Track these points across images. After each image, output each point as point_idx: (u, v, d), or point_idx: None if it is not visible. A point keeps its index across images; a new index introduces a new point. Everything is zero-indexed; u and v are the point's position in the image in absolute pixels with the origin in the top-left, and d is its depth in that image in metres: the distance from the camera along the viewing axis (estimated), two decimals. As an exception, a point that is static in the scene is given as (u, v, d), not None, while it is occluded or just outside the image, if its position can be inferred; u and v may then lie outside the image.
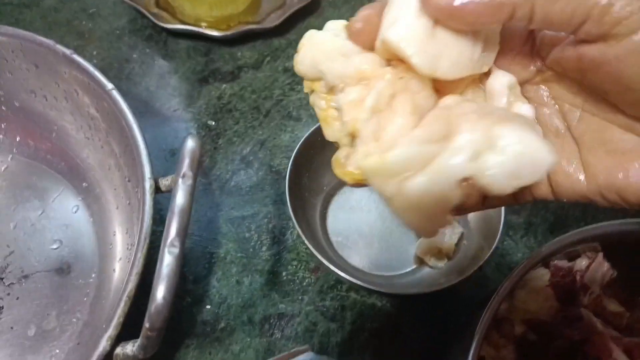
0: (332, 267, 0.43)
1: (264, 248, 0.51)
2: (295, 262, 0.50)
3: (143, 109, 0.59)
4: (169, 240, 0.29)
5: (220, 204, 0.53)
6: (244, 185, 0.54)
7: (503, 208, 0.46)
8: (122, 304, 0.35)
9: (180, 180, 0.31)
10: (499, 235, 0.46)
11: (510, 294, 0.47)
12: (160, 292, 0.28)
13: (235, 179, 0.55)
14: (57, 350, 0.45)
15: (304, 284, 0.49)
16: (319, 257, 0.43)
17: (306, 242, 0.44)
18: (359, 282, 0.43)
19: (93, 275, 0.48)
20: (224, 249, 0.51)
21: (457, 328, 0.44)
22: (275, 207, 0.53)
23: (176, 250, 0.29)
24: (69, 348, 0.45)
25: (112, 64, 0.62)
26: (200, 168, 0.33)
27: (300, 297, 0.48)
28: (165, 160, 0.55)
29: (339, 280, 0.49)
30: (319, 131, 0.50)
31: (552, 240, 0.38)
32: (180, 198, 0.30)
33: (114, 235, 0.49)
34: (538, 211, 0.55)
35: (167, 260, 0.28)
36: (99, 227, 0.50)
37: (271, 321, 0.47)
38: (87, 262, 0.49)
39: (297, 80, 0.62)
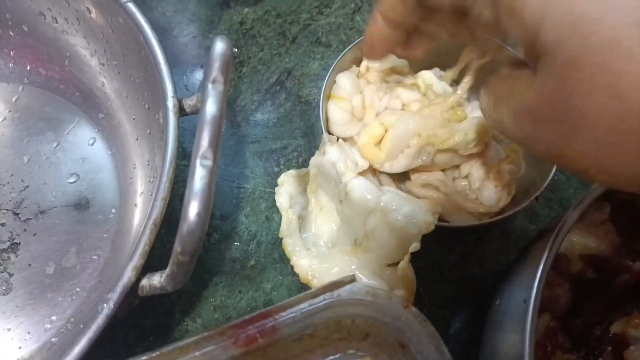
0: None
1: (295, 183, 0.47)
2: (328, 198, 0.46)
3: (160, 36, 0.54)
4: (200, 152, 0.25)
5: (246, 136, 0.49)
6: (271, 116, 0.50)
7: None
8: (147, 231, 0.32)
9: (210, 85, 0.27)
10: (554, 167, 0.42)
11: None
12: (193, 208, 0.24)
13: (261, 110, 0.51)
14: (78, 289, 0.42)
15: (339, 220, 0.46)
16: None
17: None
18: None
19: (113, 211, 0.45)
20: (251, 183, 0.47)
21: (507, 266, 0.40)
22: (306, 140, 0.49)
23: (209, 163, 0.25)
24: (90, 286, 0.42)
25: (125, -11, 0.57)
26: (231, 66, 0.29)
27: (334, 234, 0.45)
28: (185, 88, 0.51)
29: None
30: (350, 56, 0.45)
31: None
32: (211, 105, 0.26)
33: (134, 168, 0.46)
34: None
35: (200, 173, 0.24)
36: (118, 160, 0.47)
37: (305, 259, 0.44)
38: (107, 197, 0.46)
39: (325, 2, 0.56)
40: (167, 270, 0.29)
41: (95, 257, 0.43)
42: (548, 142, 0.22)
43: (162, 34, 0.54)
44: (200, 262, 0.44)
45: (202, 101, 0.27)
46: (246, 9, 0.56)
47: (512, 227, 0.46)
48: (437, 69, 0.45)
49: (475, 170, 0.42)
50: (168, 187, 0.33)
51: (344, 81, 0.44)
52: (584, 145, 0.21)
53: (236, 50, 0.54)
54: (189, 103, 0.37)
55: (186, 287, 0.42)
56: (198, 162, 0.25)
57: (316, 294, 0.28)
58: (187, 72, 0.53)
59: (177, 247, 0.26)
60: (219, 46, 0.28)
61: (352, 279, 0.29)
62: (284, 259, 0.44)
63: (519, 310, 0.31)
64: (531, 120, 0.23)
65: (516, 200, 0.42)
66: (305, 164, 0.48)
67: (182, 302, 0.42)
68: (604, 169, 0.21)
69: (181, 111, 0.37)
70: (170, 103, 0.35)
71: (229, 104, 0.51)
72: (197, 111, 0.34)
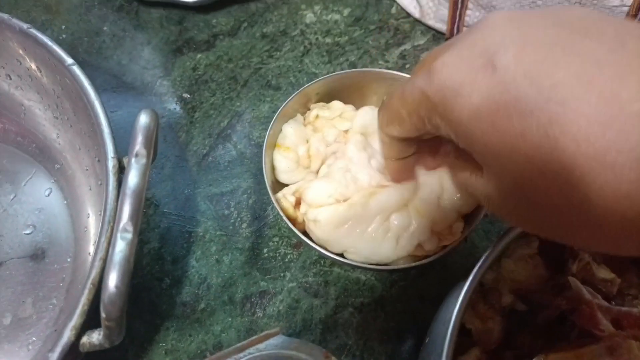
0: (311, 244, 0.41)
1: (244, 225, 0.49)
2: (276, 239, 0.49)
3: (115, 84, 0.56)
4: (121, 225, 0.27)
5: (197, 181, 0.51)
6: (222, 160, 0.52)
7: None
8: (85, 291, 0.33)
9: (133, 159, 0.29)
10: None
11: (497, 263, 0.45)
12: (112, 280, 0.26)
13: (212, 154, 0.53)
14: (34, 338, 0.44)
15: (286, 260, 0.48)
16: (298, 233, 0.41)
17: (284, 218, 0.42)
18: (340, 259, 0.41)
19: (68, 260, 0.47)
20: (202, 227, 0.49)
21: (443, 301, 0.42)
22: (256, 182, 0.51)
23: (129, 236, 0.27)
24: (45, 335, 0.44)
25: (82, 38, 0.60)
26: (155, 139, 0.31)
27: (282, 274, 0.47)
28: (139, 137, 0.53)
29: (322, 255, 0.48)
30: (297, 99, 0.47)
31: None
32: (133, 178, 0.28)
33: (88, 217, 0.48)
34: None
35: (119, 246, 0.26)
36: (72, 210, 0.49)
37: (253, 300, 0.46)
38: (62, 247, 0.47)
39: (275, 46, 0.59)
40: (102, 330, 0.31)
41: (51, 306, 0.45)
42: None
43: (118, 82, 0.57)
44: (153, 306, 0.45)
45: (125, 174, 0.29)
46: (199, 55, 0.58)
47: (452, 259, 0.48)
48: None
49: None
50: (106, 247, 0.35)
51: (290, 131, 0.46)
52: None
53: (189, 95, 0.56)
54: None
55: (138, 332, 0.44)
56: (119, 235, 0.27)
57: (243, 348, 0.30)
58: (141, 119, 0.55)
59: (102, 313, 0.28)
60: (143, 119, 0.30)
61: (276, 332, 0.31)
62: (233, 301, 0.46)
63: (442, 344, 0.33)
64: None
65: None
66: (255, 205, 0.50)
67: (134, 347, 0.44)
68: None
69: (122, 169, 0.39)
70: (110, 164, 0.37)
71: (182, 149, 0.53)
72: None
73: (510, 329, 0.42)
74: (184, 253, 0.48)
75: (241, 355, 0.30)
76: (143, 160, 0.29)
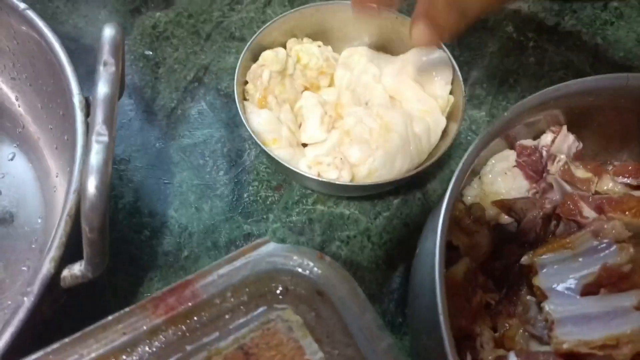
0: (300, 172, 0.41)
1: (221, 172, 0.48)
2: (255, 183, 0.48)
3: (73, 47, 0.54)
4: (95, 129, 0.26)
5: (168, 133, 0.50)
6: (191, 112, 0.51)
7: (463, 101, 0.44)
8: (62, 223, 0.32)
9: (101, 68, 0.28)
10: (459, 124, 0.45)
11: (478, 180, 0.46)
12: (92, 183, 0.25)
13: (181, 107, 0.51)
14: (9, 302, 0.41)
15: (267, 202, 0.47)
16: (285, 164, 0.41)
17: (270, 153, 0.41)
18: (319, 179, 0.41)
19: (39, 221, 0.45)
20: (178, 178, 0.48)
21: (428, 218, 0.42)
22: (229, 131, 0.50)
23: (105, 139, 0.26)
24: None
25: (34, 5, 0.57)
26: (122, 50, 0.29)
27: (265, 216, 0.46)
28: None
29: (304, 194, 0.47)
30: (264, 36, 0.47)
31: (512, 106, 0.36)
32: (102, 87, 0.27)
33: (57, 176, 0.46)
34: (499, 103, 0.53)
35: (96, 148, 0.25)
36: (39, 172, 0.47)
37: (237, 243, 0.45)
38: (31, 209, 0.45)
39: None
40: (84, 255, 0.30)
41: (24, 268, 0.43)
42: None
43: (76, 45, 0.55)
44: (133, 259, 0.44)
45: (95, 83, 0.27)
46: (158, 13, 0.57)
47: (432, 187, 0.48)
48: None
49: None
50: (79, 180, 0.33)
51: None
52: None
53: (151, 52, 0.54)
54: (96, 99, 0.37)
55: (121, 285, 0.43)
56: (94, 138, 0.26)
57: (233, 258, 0.29)
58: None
59: (84, 226, 0.26)
60: (108, 31, 0.29)
61: (266, 241, 0.30)
62: (217, 246, 0.45)
63: (432, 250, 0.33)
64: None
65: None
66: (230, 153, 0.49)
67: (118, 300, 0.42)
68: None
69: (88, 107, 0.37)
70: (76, 99, 0.36)
71: (149, 105, 0.51)
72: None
73: (497, 241, 0.42)
74: (161, 205, 0.46)
75: (235, 263, 0.29)
76: (112, 69, 0.28)
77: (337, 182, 0.41)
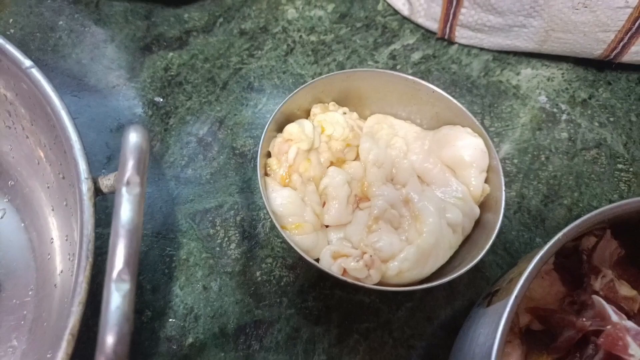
0: (313, 262, 0.37)
1: (233, 245, 0.44)
2: (269, 260, 0.44)
3: (75, 87, 0.50)
4: (114, 273, 0.22)
5: (177, 196, 0.46)
6: (203, 172, 0.47)
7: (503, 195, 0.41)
8: (63, 344, 0.28)
9: (124, 189, 0.24)
10: (499, 221, 0.41)
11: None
12: (109, 342, 0.21)
13: (192, 165, 0.47)
14: (-9, 389, 0.37)
15: (282, 283, 0.43)
16: (297, 249, 0.37)
17: (282, 232, 0.38)
18: (344, 278, 0.37)
19: (30, 293, 0.40)
20: (185, 249, 0.44)
21: (454, 318, 0.39)
22: (243, 197, 0.46)
23: (126, 286, 0.22)
24: (6, 385, 0.37)
25: (34, 34, 0.52)
26: (147, 162, 0.25)
27: (278, 300, 0.42)
28: (107, 147, 0.47)
29: (321, 277, 0.44)
30: (290, 103, 0.43)
31: (566, 229, 0.33)
32: (126, 212, 0.23)
33: (52, 242, 0.41)
34: (530, 183, 0.50)
35: (116, 300, 0.21)
36: (32, 234, 0.42)
37: (247, 331, 0.41)
38: (21, 278, 0.41)
39: (256, 44, 0.54)
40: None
41: (10, 349, 0.39)
42: None
43: (78, 84, 0.50)
44: (132, 344, 0.39)
45: (115, 206, 0.23)
46: (170, 54, 0.52)
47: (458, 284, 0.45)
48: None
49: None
50: (86, 289, 0.29)
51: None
52: None
53: (162, 99, 0.50)
54: (106, 183, 0.33)
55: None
56: (113, 286, 0.22)
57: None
58: (106, 128, 0.48)
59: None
60: (133, 137, 0.25)
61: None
62: (225, 333, 0.41)
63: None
64: None
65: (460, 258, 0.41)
66: (243, 222, 0.45)
67: (113, 393, 0.38)
68: None
69: (97, 192, 0.33)
70: (84, 186, 0.32)
71: (157, 161, 0.47)
72: (114, 195, 0.30)
73: (529, 350, 0.39)
74: (165, 280, 0.42)
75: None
76: (137, 190, 0.24)
77: (365, 285, 0.37)
